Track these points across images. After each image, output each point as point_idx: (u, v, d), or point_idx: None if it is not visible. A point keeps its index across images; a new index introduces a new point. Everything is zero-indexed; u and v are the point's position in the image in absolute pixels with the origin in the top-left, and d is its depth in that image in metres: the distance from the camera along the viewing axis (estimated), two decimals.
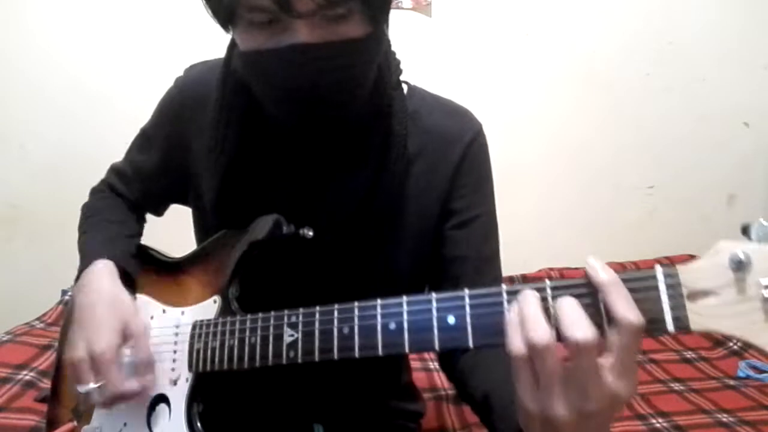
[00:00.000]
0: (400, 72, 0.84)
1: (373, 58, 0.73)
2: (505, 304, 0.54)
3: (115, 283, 0.81)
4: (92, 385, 0.72)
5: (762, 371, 1.49)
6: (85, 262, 0.84)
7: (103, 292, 0.79)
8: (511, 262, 1.79)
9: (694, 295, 0.48)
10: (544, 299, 0.52)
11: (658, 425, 1.27)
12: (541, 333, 0.48)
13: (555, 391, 0.48)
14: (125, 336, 0.76)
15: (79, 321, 0.77)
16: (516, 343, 0.49)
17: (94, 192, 1.01)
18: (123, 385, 0.73)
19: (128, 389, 0.73)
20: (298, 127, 0.77)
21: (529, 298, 0.51)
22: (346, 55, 0.68)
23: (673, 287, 0.48)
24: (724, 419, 1.28)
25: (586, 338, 0.47)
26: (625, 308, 0.47)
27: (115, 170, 1.00)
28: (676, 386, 1.45)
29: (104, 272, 0.82)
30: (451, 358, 0.85)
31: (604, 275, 0.49)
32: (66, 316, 1.02)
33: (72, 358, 0.75)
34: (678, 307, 0.48)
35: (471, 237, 0.84)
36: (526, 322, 0.49)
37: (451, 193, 0.84)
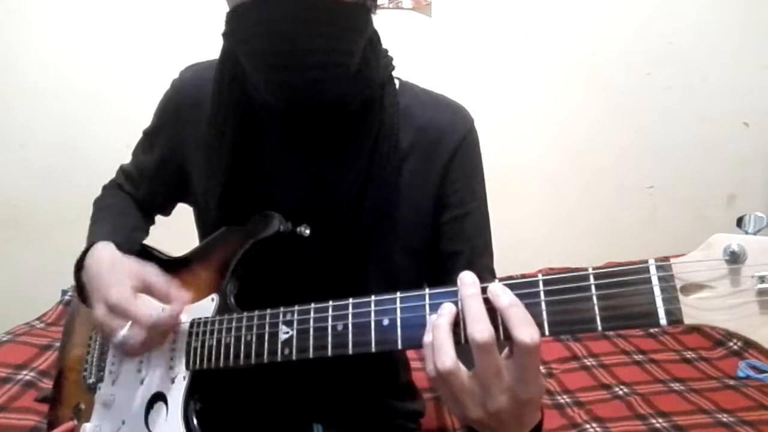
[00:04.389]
0: (392, 68, 0.84)
1: (359, 30, 0.74)
2: None
3: (114, 252, 0.81)
4: (125, 329, 0.71)
5: (762, 371, 1.48)
6: (88, 249, 0.84)
7: (104, 261, 0.79)
8: (511, 262, 1.81)
9: (688, 289, 0.47)
10: (536, 294, 0.54)
11: (658, 425, 1.26)
12: (444, 361, 0.53)
13: (466, 401, 0.55)
14: (136, 281, 0.75)
15: (90, 293, 0.78)
16: (429, 367, 0.55)
17: (105, 188, 1.03)
18: (152, 320, 0.72)
19: (160, 321, 0.73)
20: (285, 102, 0.76)
21: (440, 320, 0.55)
22: (329, 11, 0.68)
23: (666, 280, 0.48)
24: (724, 419, 1.27)
25: (484, 339, 0.52)
26: (517, 330, 0.52)
27: (123, 171, 1.02)
28: (676, 386, 1.44)
29: (103, 249, 0.82)
30: None
31: (502, 301, 0.53)
32: (69, 314, 1.02)
33: (96, 322, 0.75)
34: (671, 301, 0.48)
35: (464, 231, 0.86)
36: (434, 348, 0.55)
37: (443, 187, 0.84)
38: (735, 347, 1.60)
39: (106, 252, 0.81)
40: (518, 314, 0.52)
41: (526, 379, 0.53)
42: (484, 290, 0.55)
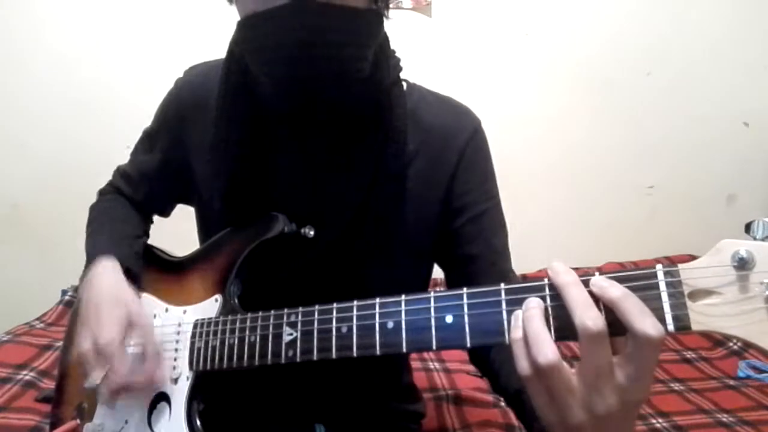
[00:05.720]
0: (399, 69, 0.84)
1: (372, 35, 0.73)
2: (504, 304, 0.54)
3: (119, 279, 0.81)
4: (99, 377, 0.72)
5: (762, 371, 1.49)
6: (91, 260, 0.84)
7: (106, 288, 0.79)
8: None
9: (696, 295, 0.47)
10: (542, 298, 0.52)
11: (658, 425, 1.26)
12: (546, 353, 0.48)
13: (569, 402, 0.49)
14: (130, 329, 0.75)
15: (84, 316, 0.77)
16: (523, 364, 0.50)
17: (102, 193, 1.01)
18: (129, 375, 0.72)
19: (135, 380, 0.73)
20: (295, 108, 0.76)
21: (533, 312, 0.51)
22: (342, 18, 0.68)
23: (674, 286, 0.47)
24: (724, 419, 1.28)
25: (598, 327, 0.47)
26: (640, 322, 0.46)
27: (120, 172, 1.01)
28: (676, 386, 1.45)
29: (108, 269, 0.82)
30: (480, 351, 0.84)
31: (614, 292, 0.48)
32: (72, 316, 1.02)
33: (78, 351, 0.75)
34: (678, 307, 0.47)
35: (482, 232, 0.84)
36: (529, 341, 0.49)
37: (453, 190, 0.83)
38: (735, 347, 1.61)
39: (109, 276, 0.81)
40: (637, 304, 0.47)
41: (643, 378, 0.48)
42: (585, 283, 0.50)
